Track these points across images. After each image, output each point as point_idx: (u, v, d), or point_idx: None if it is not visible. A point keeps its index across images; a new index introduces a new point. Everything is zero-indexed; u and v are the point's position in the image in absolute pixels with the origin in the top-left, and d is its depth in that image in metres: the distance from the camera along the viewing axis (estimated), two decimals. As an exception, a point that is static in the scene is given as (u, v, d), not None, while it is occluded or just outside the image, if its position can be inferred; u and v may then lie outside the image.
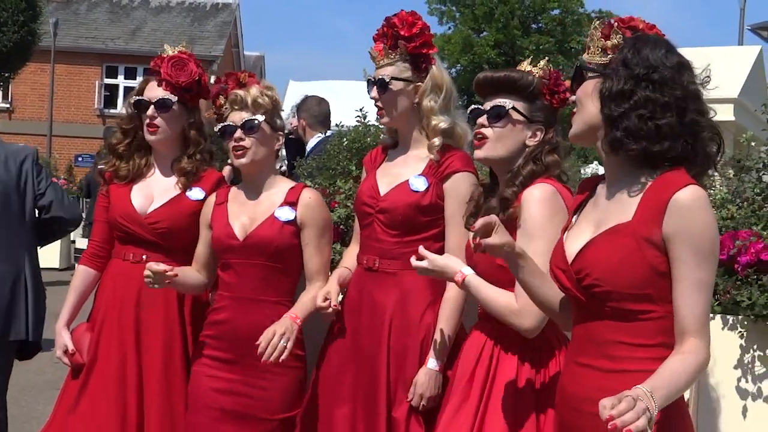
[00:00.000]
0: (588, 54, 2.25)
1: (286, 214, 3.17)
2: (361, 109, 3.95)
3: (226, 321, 3.19)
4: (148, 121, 3.37)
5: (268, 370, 3.11)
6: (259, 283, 3.15)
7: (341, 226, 3.56)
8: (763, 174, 3.21)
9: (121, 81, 28.92)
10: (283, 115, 3.64)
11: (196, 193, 3.38)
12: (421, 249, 2.61)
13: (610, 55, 2.19)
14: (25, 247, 3.75)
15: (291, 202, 3.19)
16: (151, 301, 3.32)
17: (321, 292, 3.07)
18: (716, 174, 3.30)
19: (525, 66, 2.83)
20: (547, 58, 2.93)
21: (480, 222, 2.32)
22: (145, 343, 3.31)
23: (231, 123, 3.20)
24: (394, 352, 3.02)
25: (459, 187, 3.00)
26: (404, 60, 3.09)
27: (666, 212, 2.05)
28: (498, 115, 2.75)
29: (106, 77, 28.91)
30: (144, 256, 3.34)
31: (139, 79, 27.84)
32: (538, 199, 2.61)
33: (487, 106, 2.78)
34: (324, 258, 3.22)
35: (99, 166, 3.56)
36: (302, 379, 3.22)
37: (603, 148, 2.17)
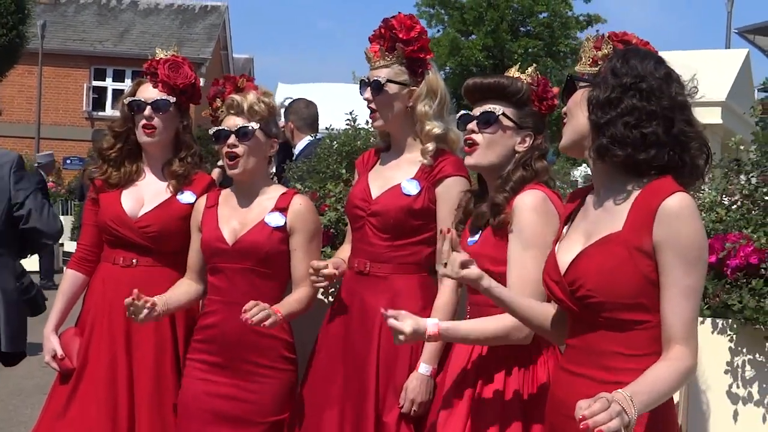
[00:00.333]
0: (579, 65, 2.29)
1: (276, 219, 3.17)
2: (351, 113, 3.95)
3: (216, 325, 3.18)
4: (144, 122, 3.35)
5: (258, 373, 3.12)
6: (248, 288, 3.14)
7: (331, 230, 3.56)
8: (752, 176, 3.22)
9: (109, 83, 28.80)
10: None
11: (187, 197, 3.38)
12: (385, 312, 2.49)
13: (600, 65, 2.22)
14: None
15: (281, 208, 3.19)
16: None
17: (316, 262, 3.04)
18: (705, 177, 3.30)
19: (513, 72, 2.84)
20: (534, 65, 2.94)
21: (444, 255, 2.32)
22: (136, 347, 3.29)
23: (225, 128, 3.19)
24: (384, 356, 3.01)
25: (451, 192, 3.00)
26: (400, 63, 3.09)
27: (655, 220, 2.06)
28: (488, 121, 2.75)
29: (95, 80, 28.79)
30: (134, 260, 3.33)
31: (128, 81, 28.11)
32: (530, 206, 2.61)
33: (477, 111, 2.79)
34: None
35: (89, 170, 3.52)
36: (293, 382, 3.23)
37: (590, 155, 2.18)
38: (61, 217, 12.49)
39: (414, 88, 3.10)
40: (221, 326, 3.17)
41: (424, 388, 2.92)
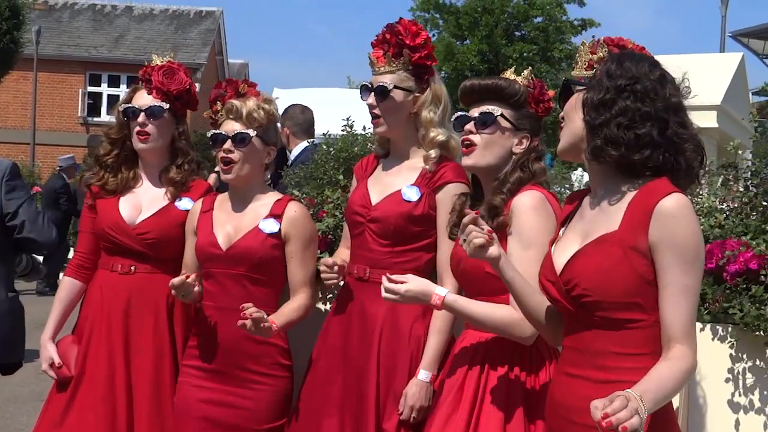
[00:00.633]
0: (576, 69, 2.32)
1: (270, 226, 3.16)
2: (347, 118, 3.94)
3: (210, 331, 3.17)
4: (138, 128, 3.34)
5: (253, 380, 3.12)
6: (241, 294, 3.13)
7: (329, 236, 3.55)
8: (750, 182, 3.22)
9: (104, 89, 28.77)
10: None
11: (185, 203, 3.37)
12: (389, 278, 2.54)
13: (596, 68, 2.24)
14: None
15: (276, 214, 3.18)
16: (140, 312, 3.29)
17: (327, 259, 3.06)
18: (702, 182, 3.31)
19: (509, 75, 2.84)
20: (530, 67, 2.94)
21: (469, 222, 2.30)
22: (134, 354, 3.28)
23: (223, 132, 3.18)
24: (384, 364, 3.01)
25: (451, 198, 2.99)
26: (406, 69, 3.08)
27: (651, 220, 2.08)
28: (486, 122, 2.76)
29: (90, 85, 28.76)
30: (132, 267, 3.32)
31: (123, 87, 28.09)
32: (529, 207, 2.62)
33: (475, 112, 2.79)
34: (308, 271, 3.21)
35: (85, 176, 3.51)
36: (289, 389, 3.21)
37: (586, 156, 2.20)
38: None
39: (418, 94, 3.09)
40: (215, 332, 3.16)
41: (423, 394, 2.91)
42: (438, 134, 3.06)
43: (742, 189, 3.27)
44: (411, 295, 2.52)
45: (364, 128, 3.84)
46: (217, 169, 3.28)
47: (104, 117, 27.61)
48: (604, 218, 2.18)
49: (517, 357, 2.63)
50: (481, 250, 2.29)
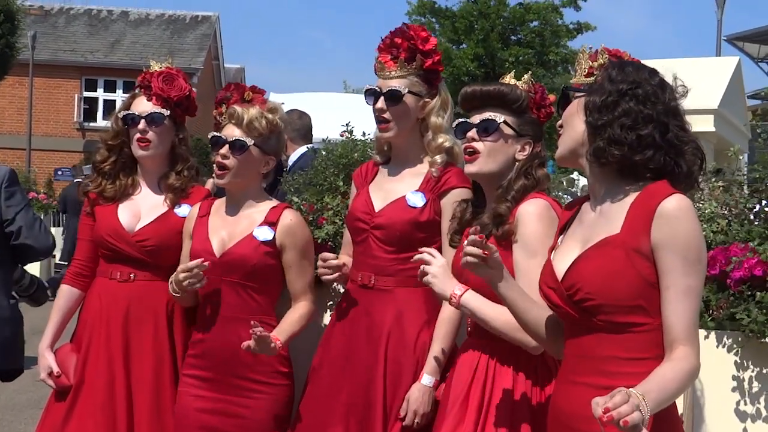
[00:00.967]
0: (575, 77, 2.33)
1: (264, 233, 3.13)
2: (347, 124, 3.91)
3: (207, 339, 3.16)
4: (138, 135, 3.32)
5: (253, 389, 3.09)
6: (236, 301, 3.12)
7: (329, 243, 3.52)
8: (756, 188, 3.21)
9: (100, 94, 28.77)
10: None
11: (184, 210, 3.34)
12: (426, 253, 2.53)
13: (596, 75, 2.25)
14: None
15: (271, 222, 3.16)
16: (139, 320, 3.27)
17: (325, 254, 3.06)
18: (703, 187, 3.30)
19: (508, 80, 2.82)
20: (530, 71, 2.93)
21: (471, 239, 2.30)
22: (134, 363, 3.26)
23: (222, 136, 3.16)
24: (390, 371, 2.99)
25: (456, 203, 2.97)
26: (417, 74, 3.06)
27: (653, 221, 2.08)
28: (488, 129, 2.73)
29: (86, 90, 28.75)
30: (132, 275, 3.30)
31: (119, 92, 28.09)
32: (535, 215, 2.61)
33: (477, 119, 2.76)
34: (307, 278, 3.19)
35: (82, 183, 3.49)
36: (289, 397, 3.19)
37: (588, 159, 2.20)
38: (52, 229, 12.45)
39: (428, 99, 3.08)
40: (212, 341, 3.14)
41: (426, 399, 2.90)
42: (446, 140, 3.05)
43: (745, 194, 3.25)
44: (438, 279, 2.49)
45: (364, 134, 3.81)
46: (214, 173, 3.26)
47: (100, 122, 27.59)
48: (605, 222, 2.18)
49: (523, 367, 2.61)
50: (476, 267, 2.30)
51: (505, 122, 2.73)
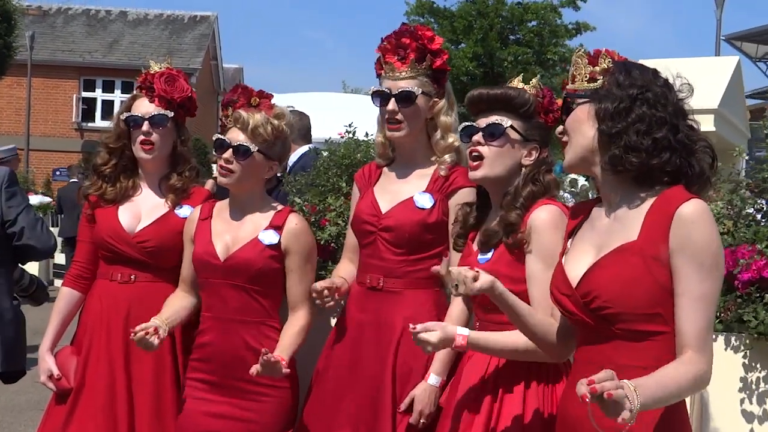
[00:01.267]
0: (575, 83, 2.26)
1: (269, 237, 3.10)
2: (350, 125, 3.89)
3: (210, 343, 3.13)
4: (142, 137, 3.29)
5: (257, 392, 3.06)
6: (240, 304, 3.09)
7: (332, 245, 3.50)
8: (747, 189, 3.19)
9: (98, 94, 28.74)
10: None
11: (185, 211, 3.32)
12: (415, 328, 2.44)
13: (600, 79, 2.20)
14: None
15: (276, 225, 3.12)
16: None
17: (321, 284, 2.99)
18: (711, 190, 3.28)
19: (516, 83, 2.77)
20: (530, 71, 2.87)
21: (455, 275, 2.27)
22: (135, 365, 3.23)
23: (226, 140, 3.12)
24: (400, 374, 2.96)
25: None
26: (426, 74, 3.03)
27: (671, 226, 2.05)
28: (494, 134, 2.68)
29: (84, 90, 28.71)
30: (132, 276, 3.28)
31: (118, 92, 28.05)
32: (549, 223, 2.56)
33: (483, 123, 2.71)
34: (307, 285, 3.14)
35: (82, 186, 3.46)
36: (294, 400, 3.16)
37: (603, 167, 2.17)
38: (51, 229, 12.36)
39: (437, 99, 3.06)
40: (215, 344, 3.11)
41: (432, 399, 2.87)
42: (455, 139, 3.03)
43: (751, 195, 3.23)
44: (439, 338, 2.42)
45: (367, 134, 3.78)
46: (215, 175, 3.23)
47: (99, 122, 27.58)
48: (620, 228, 2.15)
49: (534, 373, 2.58)
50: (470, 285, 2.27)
51: (511, 127, 2.68)
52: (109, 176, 3.35)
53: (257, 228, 3.13)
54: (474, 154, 2.72)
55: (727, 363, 2.97)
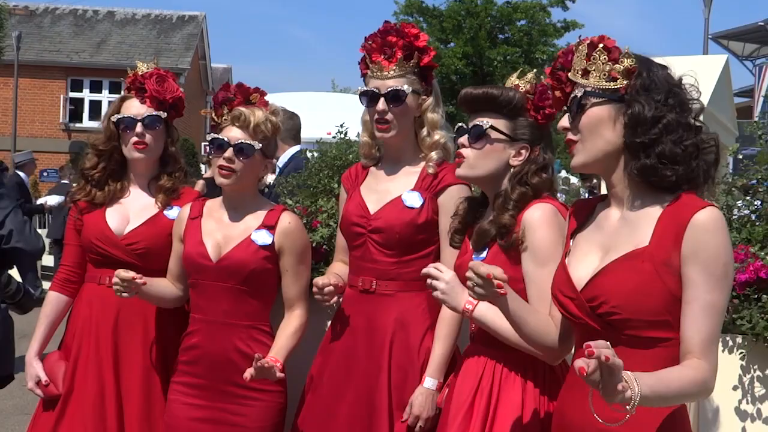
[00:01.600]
0: (591, 79, 2.15)
1: (263, 237, 3.06)
2: (341, 125, 3.85)
3: (199, 346, 3.09)
4: (136, 139, 3.24)
5: (246, 396, 3.03)
6: (230, 306, 3.05)
7: (324, 247, 3.46)
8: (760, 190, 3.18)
9: (86, 94, 28.58)
10: None
11: (175, 212, 3.28)
12: (433, 268, 2.44)
13: (620, 80, 2.11)
14: None
15: (269, 225, 3.08)
16: (129, 326, 3.21)
17: (319, 280, 2.96)
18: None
19: (513, 79, 2.72)
20: (535, 70, 2.82)
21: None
22: (124, 370, 3.20)
23: (226, 139, 3.06)
24: (395, 376, 2.93)
25: (454, 201, 2.90)
26: (414, 72, 3.00)
27: (685, 234, 2.01)
28: (476, 135, 2.64)
29: (71, 91, 28.56)
30: None
31: (105, 92, 27.92)
32: (542, 222, 2.52)
33: (470, 124, 2.68)
34: (303, 284, 3.12)
35: (69, 192, 3.42)
36: (283, 404, 3.12)
37: (630, 174, 2.10)
38: (39, 231, 12.27)
39: (425, 97, 3.03)
40: (204, 347, 3.07)
41: (429, 403, 2.85)
42: (441, 136, 3.01)
43: (750, 198, 3.22)
44: (448, 295, 2.40)
45: (358, 135, 3.75)
46: (206, 175, 3.19)
47: (86, 123, 27.44)
48: (629, 231, 2.11)
49: (530, 376, 2.55)
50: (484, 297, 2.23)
51: (492, 127, 2.63)
52: (98, 180, 3.31)
53: (249, 227, 3.09)
54: (456, 155, 2.70)
55: (724, 364, 2.93)
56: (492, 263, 2.43)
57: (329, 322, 3.19)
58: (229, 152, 3.03)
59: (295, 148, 5.78)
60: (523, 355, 2.50)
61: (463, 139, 2.67)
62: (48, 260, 14.21)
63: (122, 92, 3.42)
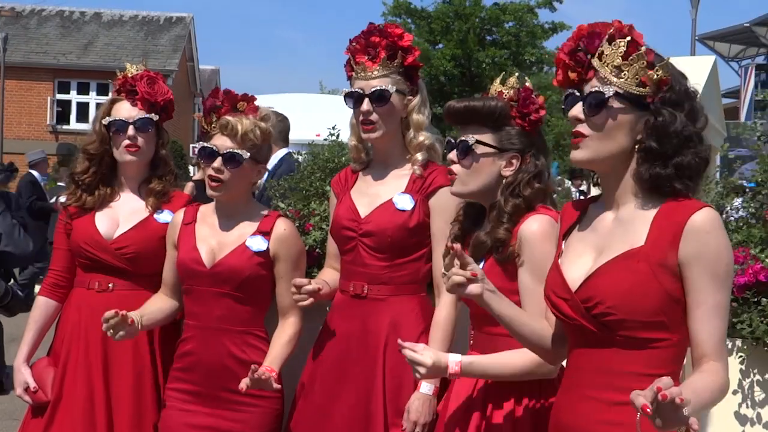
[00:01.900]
0: (623, 79, 2.08)
1: (258, 244, 3.02)
2: (333, 127, 3.82)
3: (194, 352, 3.05)
4: (128, 142, 3.20)
5: (242, 402, 2.99)
6: (225, 312, 3.01)
7: (317, 250, 3.43)
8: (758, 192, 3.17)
9: (73, 96, 28.44)
10: None
11: (165, 216, 3.24)
12: (402, 343, 2.40)
13: (649, 88, 2.07)
14: None
15: (264, 231, 3.04)
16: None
17: (298, 279, 2.91)
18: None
19: (496, 86, 2.66)
20: (517, 74, 2.75)
21: (447, 260, 2.22)
22: (114, 377, 3.15)
23: (214, 148, 3.01)
24: (390, 381, 2.90)
25: (445, 203, 2.88)
26: (398, 72, 2.97)
27: (683, 235, 2.00)
28: (463, 151, 2.59)
29: (58, 93, 28.42)
30: (110, 285, 3.19)
31: (92, 94, 27.79)
32: (539, 235, 2.47)
33: (458, 139, 2.62)
34: None
35: (61, 199, 3.38)
36: (279, 411, 3.09)
37: (640, 178, 2.07)
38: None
39: (410, 97, 2.99)
40: (199, 353, 3.03)
41: (426, 408, 2.81)
42: (426, 138, 2.97)
43: (748, 199, 3.20)
44: (430, 367, 2.36)
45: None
46: (195, 177, 3.15)
47: (73, 125, 27.32)
48: (623, 232, 2.09)
49: (526, 383, 2.51)
50: (459, 287, 2.20)
51: (478, 142, 2.57)
52: (88, 185, 3.27)
53: (244, 233, 3.05)
54: (448, 171, 2.65)
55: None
56: (488, 274, 2.38)
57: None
58: (217, 162, 2.99)
59: (284, 151, 5.78)
60: None
61: (452, 155, 2.62)
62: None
63: (110, 94, 3.37)
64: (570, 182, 15.04)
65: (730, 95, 33.52)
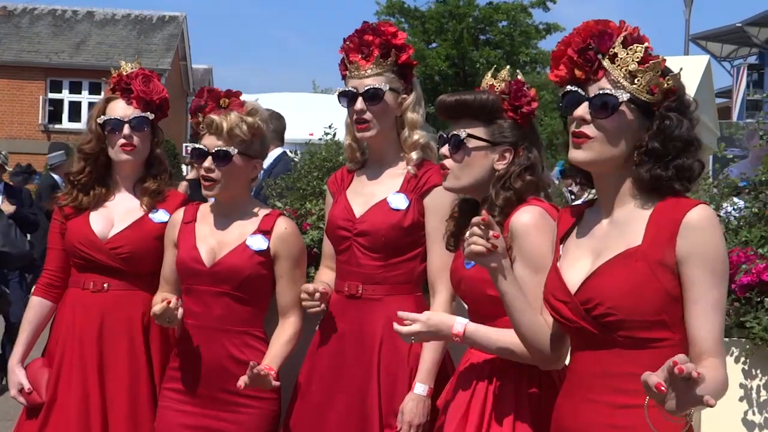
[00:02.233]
0: (636, 86, 2.07)
1: (258, 243, 3.00)
2: (330, 126, 3.80)
3: (192, 352, 3.02)
4: (123, 141, 3.17)
5: (239, 403, 2.97)
6: (224, 312, 2.99)
7: (314, 249, 3.41)
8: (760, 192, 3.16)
9: (65, 95, 28.35)
10: None
11: (160, 215, 3.22)
12: (402, 314, 2.42)
13: (657, 96, 2.07)
14: None
15: (265, 230, 3.02)
16: (114, 332, 3.14)
17: (308, 286, 2.93)
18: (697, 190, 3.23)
19: (487, 80, 2.63)
20: (508, 67, 2.72)
21: (475, 226, 2.21)
22: (109, 378, 3.13)
23: (203, 147, 3.00)
24: (384, 382, 2.88)
25: (439, 202, 2.86)
26: (392, 70, 2.95)
27: (679, 232, 2.00)
28: (455, 146, 2.57)
29: (50, 92, 28.32)
30: (105, 285, 3.17)
31: (85, 93, 27.73)
32: (531, 226, 2.44)
33: (449, 134, 2.61)
34: (298, 291, 3.05)
35: (55, 197, 3.34)
36: (276, 412, 3.07)
37: (641, 179, 2.07)
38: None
39: (405, 96, 2.98)
40: (197, 353, 3.01)
41: (421, 409, 2.79)
42: (421, 137, 2.96)
43: (752, 199, 3.19)
44: (432, 324, 2.38)
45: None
46: (189, 177, 3.13)
47: (66, 124, 27.24)
48: (619, 233, 2.08)
49: (525, 378, 2.49)
50: (477, 256, 2.20)
51: (469, 136, 2.55)
52: (84, 185, 3.23)
53: (244, 232, 3.03)
54: (441, 166, 2.64)
55: (728, 368, 2.92)
56: (481, 270, 2.35)
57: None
58: (207, 161, 2.98)
59: (279, 150, 5.78)
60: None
61: (445, 150, 2.61)
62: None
63: (103, 93, 3.35)
64: (558, 180, 14.96)
65: (722, 95, 33.64)
